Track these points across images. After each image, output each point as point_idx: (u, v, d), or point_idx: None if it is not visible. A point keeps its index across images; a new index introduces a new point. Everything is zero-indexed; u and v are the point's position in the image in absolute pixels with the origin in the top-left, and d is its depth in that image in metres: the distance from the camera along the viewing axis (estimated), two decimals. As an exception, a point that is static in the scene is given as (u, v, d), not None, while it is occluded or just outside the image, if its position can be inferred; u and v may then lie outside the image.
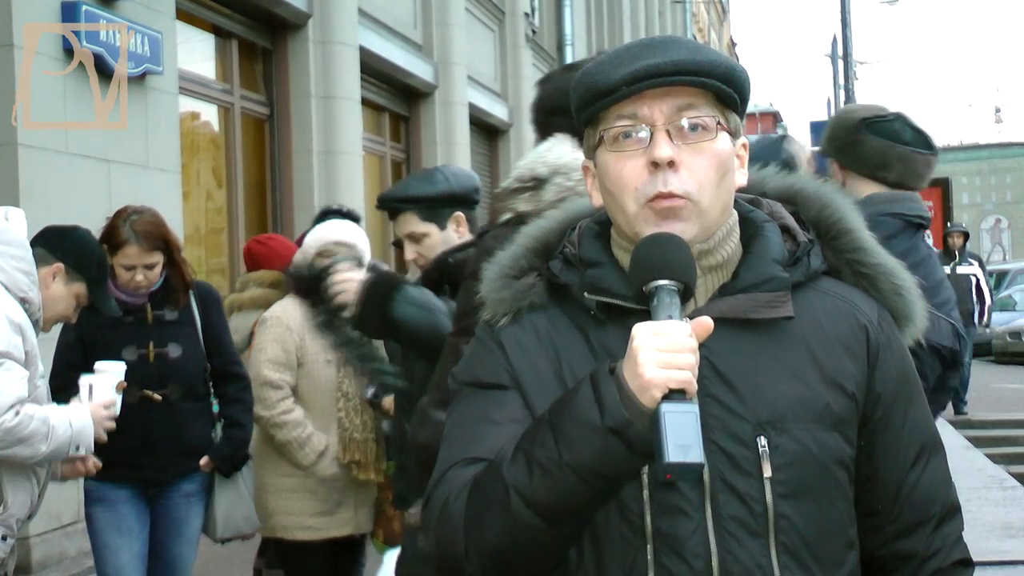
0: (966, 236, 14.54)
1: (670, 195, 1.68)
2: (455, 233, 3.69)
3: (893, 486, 1.79)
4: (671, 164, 1.68)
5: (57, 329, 4.64)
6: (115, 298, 4.47)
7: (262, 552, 6.14)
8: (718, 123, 1.72)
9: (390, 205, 3.86)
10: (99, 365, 4.29)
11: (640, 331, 1.57)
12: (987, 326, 15.91)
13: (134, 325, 4.55)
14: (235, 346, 6.02)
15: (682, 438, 1.51)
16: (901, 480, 1.80)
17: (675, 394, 1.54)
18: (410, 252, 3.77)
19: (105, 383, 4.06)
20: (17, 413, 3.56)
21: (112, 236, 4.51)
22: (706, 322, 1.60)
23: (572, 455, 1.58)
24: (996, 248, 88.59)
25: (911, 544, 1.81)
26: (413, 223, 3.73)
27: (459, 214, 3.70)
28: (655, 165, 1.68)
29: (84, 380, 4.06)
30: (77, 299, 4.03)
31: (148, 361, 4.51)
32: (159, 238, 4.57)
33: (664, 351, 1.54)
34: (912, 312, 1.84)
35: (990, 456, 10.45)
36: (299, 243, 6.30)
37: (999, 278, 31.06)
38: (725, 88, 1.72)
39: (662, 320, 1.59)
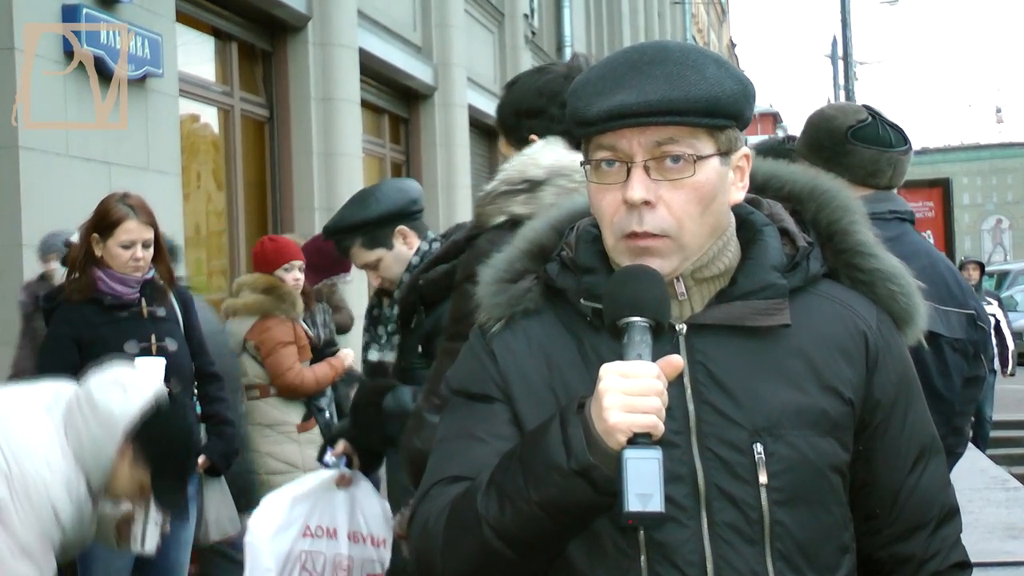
0: (982, 269, 12.98)
1: (645, 234, 1.66)
2: (404, 247, 3.63)
3: (892, 490, 1.79)
4: (647, 203, 1.65)
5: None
6: (111, 292, 4.46)
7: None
8: (697, 158, 1.66)
9: (336, 240, 3.81)
10: (139, 361, 4.33)
11: (607, 372, 1.56)
12: (1012, 374, 13.68)
13: (131, 320, 4.52)
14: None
15: (643, 486, 1.50)
16: (900, 484, 1.79)
17: (641, 438, 1.53)
18: (373, 280, 3.75)
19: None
20: None
21: (108, 216, 4.48)
22: (676, 361, 1.59)
23: (539, 493, 1.59)
24: (997, 248, 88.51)
25: (909, 547, 1.80)
26: (362, 254, 3.70)
27: (402, 228, 3.64)
28: (630, 204, 1.66)
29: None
30: (141, 487, 3.51)
31: (151, 355, 4.49)
32: (151, 214, 4.58)
33: (630, 394, 1.53)
34: (911, 315, 1.82)
35: (992, 457, 10.44)
36: (305, 249, 6.34)
37: (1000, 279, 31.00)
38: (706, 121, 1.66)
39: (631, 360, 1.57)
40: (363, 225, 3.64)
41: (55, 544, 3.23)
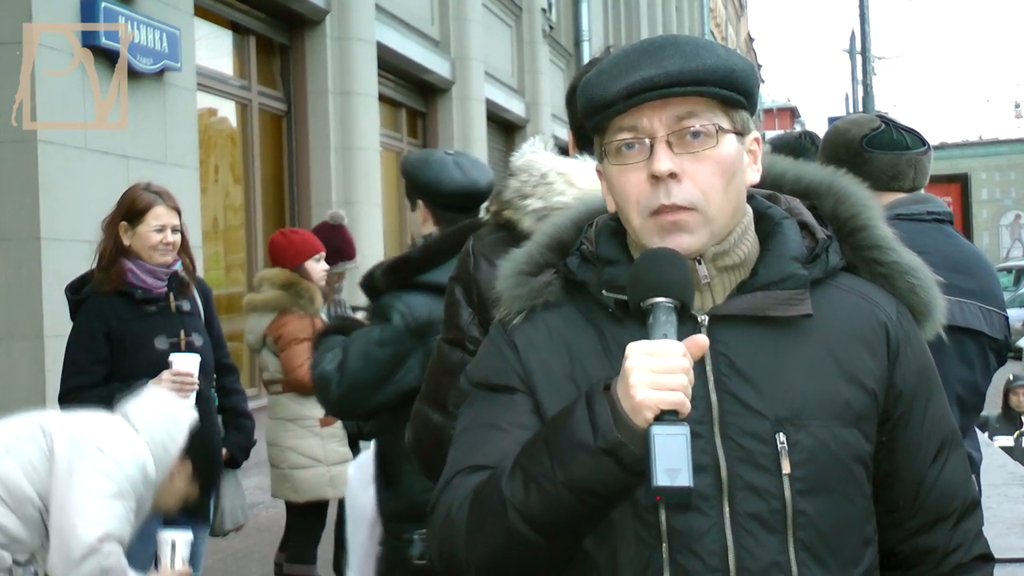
0: None
1: (674, 207, 1.67)
2: (419, 218, 3.58)
3: (914, 482, 1.79)
4: (673, 176, 1.66)
5: (66, 321, 4.65)
6: (142, 284, 4.45)
7: (283, 546, 6.18)
8: (719, 128, 1.68)
9: None
10: (174, 357, 4.35)
11: (633, 351, 1.56)
12: None
13: (160, 315, 4.50)
14: (252, 346, 6.08)
15: (671, 462, 1.51)
16: (922, 476, 1.79)
17: (667, 415, 1.53)
18: None
19: (185, 542, 3.86)
20: (109, 555, 3.39)
21: (135, 204, 4.48)
22: (701, 340, 1.59)
23: (566, 474, 1.58)
24: (1015, 244, 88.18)
25: (931, 539, 1.80)
26: None
27: (420, 201, 3.56)
28: (656, 178, 1.67)
29: (165, 538, 3.86)
30: (184, 500, 3.86)
31: (180, 350, 4.47)
32: (175, 200, 4.59)
33: (656, 372, 1.54)
34: (930, 309, 1.82)
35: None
36: (317, 234, 6.36)
37: (1018, 275, 30.79)
38: (725, 92, 1.68)
39: (657, 339, 1.58)
40: (403, 173, 3.64)
41: (136, 507, 3.57)
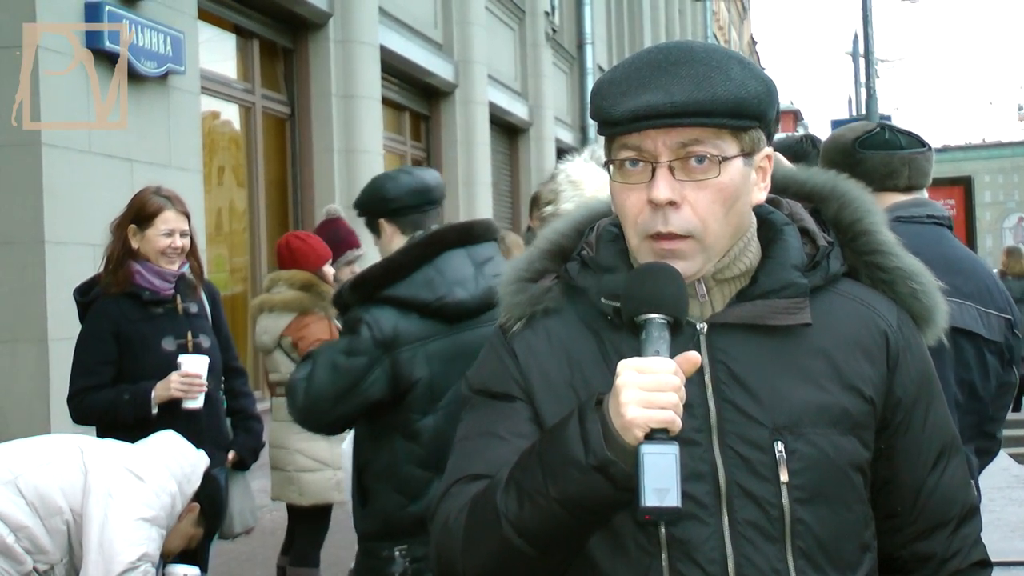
0: None
1: (670, 235, 1.66)
2: (387, 240, 3.54)
3: (913, 489, 1.79)
4: (672, 203, 1.65)
5: (71, 325, 4.66)
6: (149, 286, 4.46)
7: (285, 550, 6.17)
8: (722, 159, 1.66)
9: None
10: (183, 359, 4.37)
11: (624, 368, 1.56)
12: None
13: (167, 316, 4.51)
14: (264, 347, 6.06)
15: (660, 481, 1.50)
16: (921, 483, 1.80)
17: (658, 433, 1.53)
18: None
19: None
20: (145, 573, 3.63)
21: (145, 207, 4.48)
22: (693, 357, 1.58)
23: (558, 489, 1.59)
24: (1019, 246, 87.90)
25: (930, 546, 1.81)
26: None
27: (382, 221, 3.55)
28: (655, 204, 1.66)
29: (177, 572, 4.02)
30: (189, 542, 4.03)
31: (187, 352, 4.49)
32: (185, 205, 4.60)
33: (647, 390, 1.53)
34: (932, 314, 1.82)
35: (1014, 456, 10.38)
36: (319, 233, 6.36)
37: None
38: (732, 122, 1.66)
39: (649, 355, 1.57)
40: (358, 207, 3.63)
41: (165, 535, 3.80)
